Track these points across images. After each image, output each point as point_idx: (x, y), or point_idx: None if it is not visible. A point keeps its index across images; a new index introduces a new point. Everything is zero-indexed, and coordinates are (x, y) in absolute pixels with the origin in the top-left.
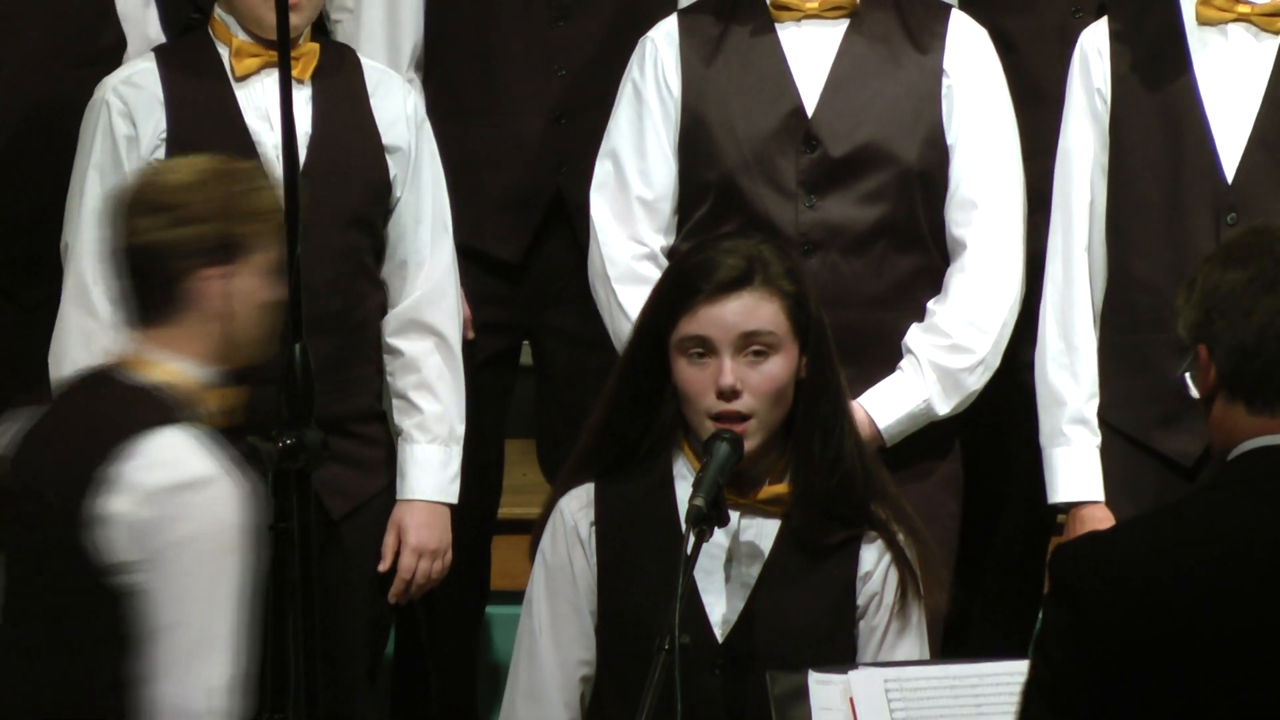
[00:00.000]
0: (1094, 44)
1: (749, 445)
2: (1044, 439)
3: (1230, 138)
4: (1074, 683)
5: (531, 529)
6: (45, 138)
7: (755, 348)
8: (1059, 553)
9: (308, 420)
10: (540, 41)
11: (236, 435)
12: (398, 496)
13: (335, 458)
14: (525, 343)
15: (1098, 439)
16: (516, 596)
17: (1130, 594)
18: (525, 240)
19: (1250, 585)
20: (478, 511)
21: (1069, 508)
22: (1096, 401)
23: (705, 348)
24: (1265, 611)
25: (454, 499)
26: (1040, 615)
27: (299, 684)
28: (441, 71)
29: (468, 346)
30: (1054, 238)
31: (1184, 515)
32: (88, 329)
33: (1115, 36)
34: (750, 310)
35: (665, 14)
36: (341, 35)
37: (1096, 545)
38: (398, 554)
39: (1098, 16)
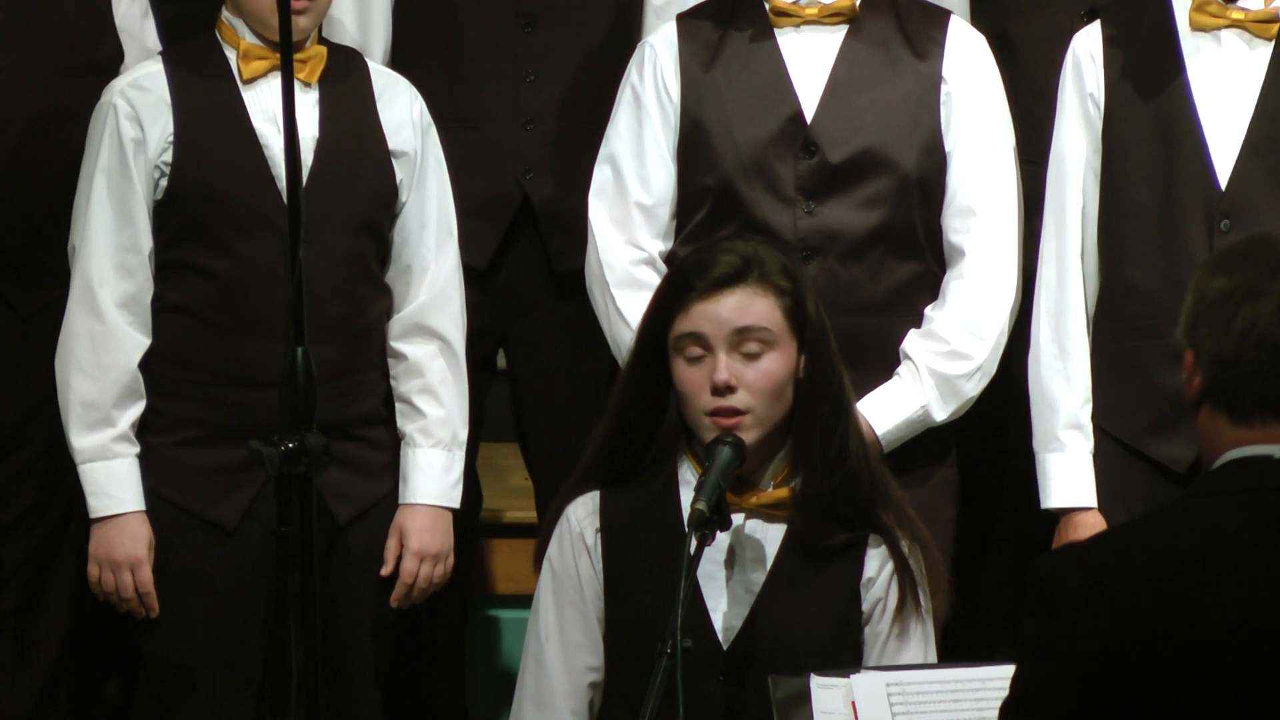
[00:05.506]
0: (1087, 49)
1: (746, 439)
2: (1037, 444)
3: (1223, 144)
4: (1056, 694)
5: (530, 532)
6: (42, 147)
7: (750, 344)
8: (1038, 563)
9: (309, 425)
10: (508, 47)
11: (240, 439)
12: (400, 501)
13: (340, 462)
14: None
15: (1091, 444)
16: (515, 600)
17: (1111, 603)
18: (492, 247)
19: (1229, 594)
20: (458, 517)
21: (1061, 513)
22: (1090, 407)
23: (700, 344)
24: (1243, 620)
25: (456, 504)
26: (1021, 627)
27: (301, 688)
28: (410, 76)
29: None
30: (1047, 243)
31: (1165, 525)
32: (94, 331)
33: (1108, 41)
34: (744, 306)
35: (635, 19)
36: None
37: (1077, 555)
38: (400, 559)
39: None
